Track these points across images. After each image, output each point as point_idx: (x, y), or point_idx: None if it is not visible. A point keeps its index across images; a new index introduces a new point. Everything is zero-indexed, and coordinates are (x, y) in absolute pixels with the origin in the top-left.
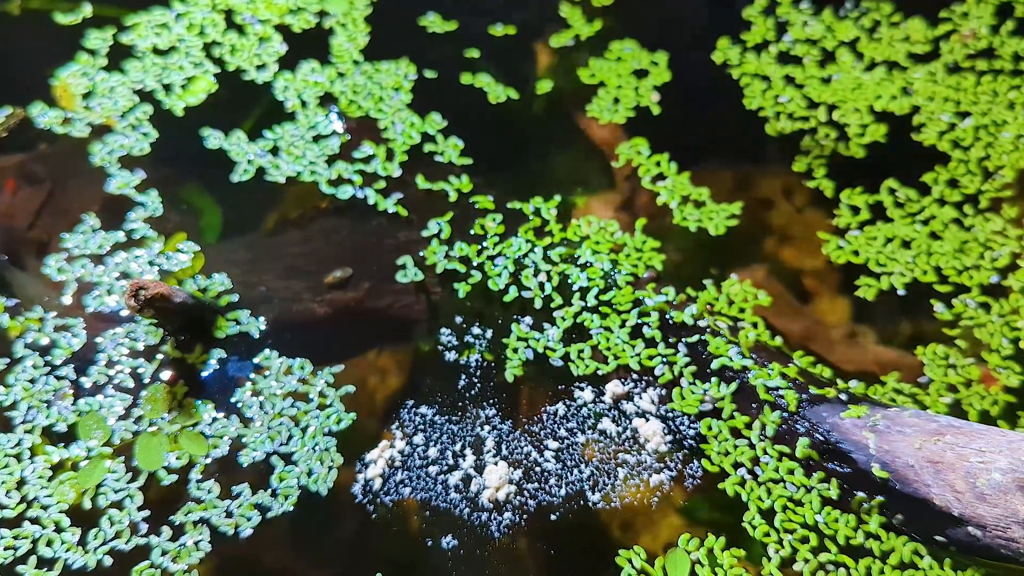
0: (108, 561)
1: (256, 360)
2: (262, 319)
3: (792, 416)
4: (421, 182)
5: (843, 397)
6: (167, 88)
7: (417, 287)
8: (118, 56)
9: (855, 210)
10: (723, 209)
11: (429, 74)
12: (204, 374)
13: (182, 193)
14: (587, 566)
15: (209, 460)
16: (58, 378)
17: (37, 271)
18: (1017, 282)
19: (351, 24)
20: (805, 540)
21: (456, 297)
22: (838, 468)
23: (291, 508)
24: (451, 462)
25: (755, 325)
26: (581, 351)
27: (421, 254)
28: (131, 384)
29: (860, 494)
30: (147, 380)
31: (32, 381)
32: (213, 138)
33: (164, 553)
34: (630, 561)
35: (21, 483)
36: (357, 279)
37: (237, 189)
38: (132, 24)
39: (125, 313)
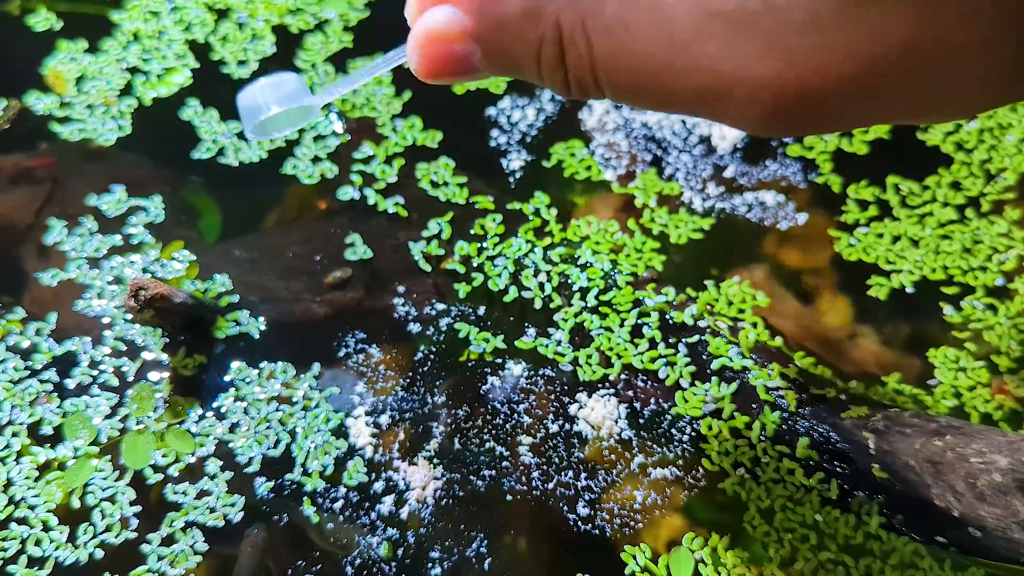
0: (99, 554)
1: (249, 360)
2: (262, 319)
3: (792, 416)
4: (424, 183)
5: (843, 397)
6: (144, 75)
7: (419, 287)
8: (104, 39)
9: (863, 205)
10: (693, 221)
11: (409, 99)
12: (201, 374)
13: (183, 194)
14: (588, 565)
15: (194, 458)
16: (41, 381)
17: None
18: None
19: (331, 30)
20: (805, 539)
21: (456, 297)
22: (838, 468)
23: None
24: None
25: (755, 325)
26: (589, 356)
27: (422, 252)
28: (116, 383)
29: (860, 494)
30: (132, 379)
31: (14, 382)
32: (190, 109)
33: (160, 559)
34: (634, 558)
35: (8, 484)
36: (357, 279)
37: (236, 189)
38: (130, 7)
39: (113, 314)
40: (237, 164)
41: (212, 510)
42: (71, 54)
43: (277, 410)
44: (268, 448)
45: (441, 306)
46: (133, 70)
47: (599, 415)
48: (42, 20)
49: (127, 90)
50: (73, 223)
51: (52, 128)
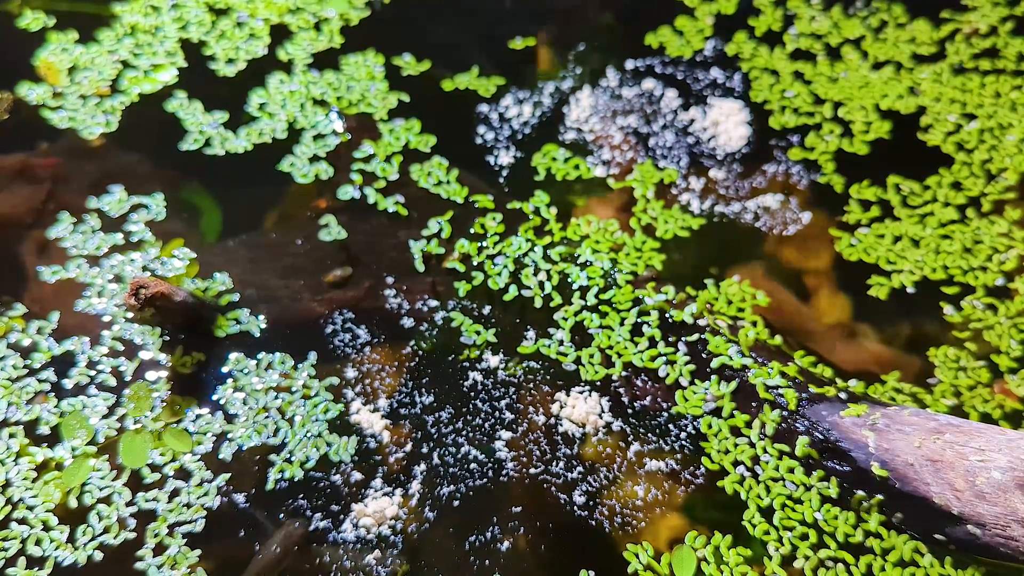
0: (98, 556)
1: (248, 358)
2: (262, 318)
3: (792, 415)
4: (422, 181)
5: (843, 396)
6: (133, 69)
7: (418, 286)
8: (101, 30)
9: (866, 205)
10: (683, 219)
11: (403, 96)
12: (199, 372)
13: (182, 192)
14: (590, 563)
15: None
16: (39, 380)
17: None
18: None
19: (327, 29)
20: (805, 537)
21: (456, 296)
22: (838, 466)
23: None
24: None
25: (754, 324)
26: (592, 355)
27: (421, 251)
28: (114, 383)
29: (860, 492)
30: (130, 378)
31: (12, 380)
32: (176, 101)
33: (159, 567)
34: (637, 556)
35: (6, 485)
36: (357, 278)
37: (236, 188)
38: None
39: (114, 313)
40: (224, 153)
41: (188, 505)
42: (62, 45)
43: (276, 398)
44: (268, 437)
45: (436, 303)
46: (124, 63)
47: (581, 412)
48: (31, 20)
49: (118, 83)
50: (74, 221)
51: (44, 115)
